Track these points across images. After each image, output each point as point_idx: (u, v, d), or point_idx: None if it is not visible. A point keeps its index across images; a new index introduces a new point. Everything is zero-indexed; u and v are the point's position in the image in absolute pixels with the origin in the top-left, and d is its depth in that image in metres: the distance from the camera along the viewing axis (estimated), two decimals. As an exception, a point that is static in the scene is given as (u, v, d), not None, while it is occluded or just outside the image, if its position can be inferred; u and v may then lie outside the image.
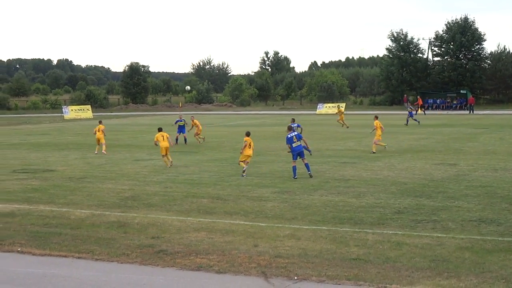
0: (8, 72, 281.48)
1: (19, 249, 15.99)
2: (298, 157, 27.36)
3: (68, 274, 13.90)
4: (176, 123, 46.50)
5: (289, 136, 27.51)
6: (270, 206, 20.99)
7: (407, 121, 62.01)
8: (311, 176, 26.90)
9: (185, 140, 45.31)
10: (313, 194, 22.95)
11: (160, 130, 33.28)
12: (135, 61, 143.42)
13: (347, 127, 59.53)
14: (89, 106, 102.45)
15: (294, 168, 27.16)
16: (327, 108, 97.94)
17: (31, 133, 59.94)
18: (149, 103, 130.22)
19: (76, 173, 30.10)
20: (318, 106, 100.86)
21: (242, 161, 28.51)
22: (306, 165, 27.32)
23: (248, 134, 29.28)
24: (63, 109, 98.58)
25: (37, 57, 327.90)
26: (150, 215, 19.87)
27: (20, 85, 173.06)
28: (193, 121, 46.26)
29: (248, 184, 25.52)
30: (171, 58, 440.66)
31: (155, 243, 16.26)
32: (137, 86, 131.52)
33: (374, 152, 36.19)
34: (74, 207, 21.50)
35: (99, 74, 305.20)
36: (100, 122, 41.41)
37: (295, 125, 34.39)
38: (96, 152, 38.68)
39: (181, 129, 45.88)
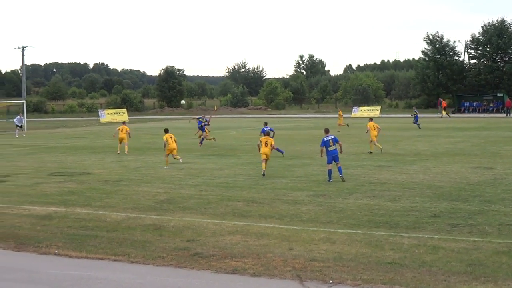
0: (46, 76, 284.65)
1: (56, 252, 16.14)
2: (333, 161, 27.34)
3: (104, 277, 14.00)
4: (200, 124, 48.33)
5: (325, 139, 27.50)
6: (305, 209, 20.96)
7: (418, 125, 62.15)
8: (343, 180, 26.81)
9: (201, 141, 46.58)
10: (348, 198, 22.87)
11: (166, 131, 34.75)
12: (171, 65, 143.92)
13: (347, 125, 61.78)
14: (125, 109, 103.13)
15: (330, 172, 27.15)
16: (362, 112, 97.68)
17: (67, 136, 60.50)
18: (184, 106, 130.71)
19: (112, 176, 30.31)
20: (353, 110, 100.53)
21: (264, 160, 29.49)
22: (339, 169, 27.24)
23: (266, 134, 30.99)
24: (99, 113, 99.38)
25: (73, 61, 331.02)
26: (186, 218, 19.94)
27: (57, 89, 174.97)
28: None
29: (283, 188, 25.51)
30: (206, 62, 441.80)
31: (190, 246, 16.31)
32: (172, 90, 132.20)
33: (371, 152, 37.75)
34: (110, 210, 21.65)
35: (135, 78, 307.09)
36: (123, 123, 42.21)
37: (268, 128, 37.01)
38: (118, 152, 39.38)
39: (203, 129, 47.53)
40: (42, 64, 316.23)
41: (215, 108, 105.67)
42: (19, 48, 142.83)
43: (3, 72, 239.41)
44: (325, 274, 13.54)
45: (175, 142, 34.33)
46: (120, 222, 19.56)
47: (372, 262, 14.39)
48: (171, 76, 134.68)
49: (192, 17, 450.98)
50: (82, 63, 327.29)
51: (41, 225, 19.41)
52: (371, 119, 42.06)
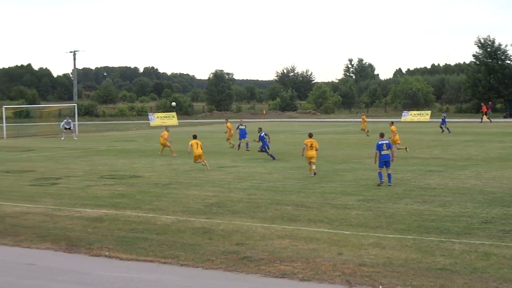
0: (96, 80, 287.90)
1: (106, 254, 16.30)
2: (384, 166, 27.28)
3: (154, 279, 14.10)
4: (237, 128, 48.46)
5: (379, 142, 27.59)
6: (354, 214, 20.87)
7: (447, 129, 62.13)
8: (379, 184, 26.97)
9: (247, 145, 46.70)
10: (398, 203, 22.70)
11: (195, 137, 35.37)
12: (220, 69, 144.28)
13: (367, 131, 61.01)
14: (175, 113, 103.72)
15: (380, 174, 27.27)
16: (412, 116, 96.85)
17: (118, 139, 61.10)
18: (233, 110, 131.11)
19: (162, 179, 30.52)
20: (403, 114, 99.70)
21: (309, 162, 30.71)
22: (389, 175, 27.20)
23: (310, 136, 31.75)
24: (149, 116, 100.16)
25: (124, 65, 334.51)
26: (235, 221, 19.98)
27: (107, 92, 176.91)
28: (227, 125, 50.61)
29: (332, 192, 25.42)
30: (255, 66, 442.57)
31: (239, 249, 16.34)
32: (221, 94, 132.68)
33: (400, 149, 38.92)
34: (160, 212, 21.80)
35: (184, 82, 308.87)
36: (166, 129, 44.26)
37: (263, 134, 39.01)
38: (160, 153, 41.77)
39: (243, 134, 47.35)
40: (93, 68, 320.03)
41: (264, 112, 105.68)
42: (70, 52, 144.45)
43: (55, 76, 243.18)
44: (375, 280, 13.46)
45: (201, 148, 34.75)
46: (169, 225, 19.68)
47: (422, 268, 14.26)
48: (220, 80, 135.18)
49: (242, 21, 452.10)
50: (132, 67, 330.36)
51: (92, 227, 19.63)
52: (392, 122, 44.07)
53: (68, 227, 19.70)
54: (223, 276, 14.23)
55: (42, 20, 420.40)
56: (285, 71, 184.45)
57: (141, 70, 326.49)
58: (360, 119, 67.41)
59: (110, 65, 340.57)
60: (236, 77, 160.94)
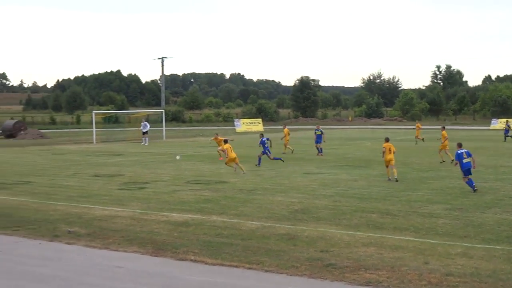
0: (184, 86, 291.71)
1: (192, 258, 16.46)
2: (468, 176, 27.26)
3: (239, 284, 14.17)
4: (315, 133, 49.50)
5: (458, 152, 27.74)
6: (441, 223, 20.53)
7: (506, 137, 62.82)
8: (474, 191, 26.71)
9: (321, 150, 47.89)
10: (487, 212, 22.24)
11: (226, 142, 37.18)
12: (306, 75, 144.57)
13: (423, 139, 60.53)
14: (260, 119, 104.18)
15: (469, 182, 27.26)
16: (501, 124, 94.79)
17: (204, 145, 61.64)
18: (318, 116, 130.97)
19: (247, 185, 30.66)
20: (492, 122, 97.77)
21: (387, 166, 32.01)
22: (471, 182, 27.24)
23: (387, 140, 32.71)
24: (235, 122, 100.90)
25: (210, 71, 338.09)
26: (319, 228, 19.92)
27: (194, 98, 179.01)
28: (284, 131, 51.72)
29: (418, 200, 25.08)
30: (341, 72, 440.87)
31: (324, 256, 16.28)
32: (307, 100, 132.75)
33: (444, 161, 38.99)
34: (245, 218, 21.89)
35: (270, 88, 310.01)
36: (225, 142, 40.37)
37: (265, 139, 41.35)
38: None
39: (319, 139, 48.56)
40: (180, 74, 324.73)
41: (350, 119, 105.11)
42: (158, 58, 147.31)
43: (144, 82, 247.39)
44: (462, 290, 13.22)
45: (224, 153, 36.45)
46: (254, 231, 19.75)
47: (511, 279, 13.94)
48: (306, 87, 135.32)
49: (327, 28, 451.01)
50: (218, 73, 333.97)
51: (178, 232, 19.86)
52: (443, 127, 44.29)
53: (154, 231, 19.98)
54: (307, 283, 14.20)
55: (132, 28, 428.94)
56: (371, 77, 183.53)
57: (228, 76, 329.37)
58: (415, 127, 66.62)
59: (197, 71, 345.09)
60: (322, 83, 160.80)
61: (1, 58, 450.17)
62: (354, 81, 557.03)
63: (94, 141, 68.32)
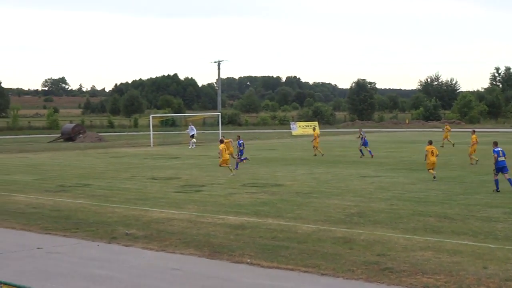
0: (240, 89, 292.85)
1: (248, 261, 16.49)
2: (501, 172, 28.26)
3: (295, 287, 14.15)
4: (359, 136, 50.35)
5: (496, 149, 28.81)
6: (500, 227, 20.22)
7: None
8: (497, 191, 27.64)
9: (367, 152, 48.51)
10: (547, 216, 21.83)
11: (222, 142, 38.70)
12: (362, 78, 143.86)
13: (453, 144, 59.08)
14: (316, 122, 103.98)
15: (496, 182, 28.05)
16: None
17: (260, 148, 61.77)
18: (375, 119, 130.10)
19: (303, 188, 30.61)
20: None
21: (430, 169, 32.84)
22: (509, 180, 28.13)
23: (430, 143, 33.86)
24: (291, 125, 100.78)
25: (266, 75, 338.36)
26: (376, 232, 19.78)
27: (250, 101, 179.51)
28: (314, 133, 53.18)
29: (476, 204, 24.74)
30: (398, 75, 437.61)
31: (380, 260, 16.17)
32: (363, 103, 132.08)
33: (472, 164, 39.35)
34: (301, 221, 21.86)
35: (326, 91, 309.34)
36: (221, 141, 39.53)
37: (241, 141, 42.94)
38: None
39: (365, 142, 49.28)
40: (237, 78, 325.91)
41: (407, 122, 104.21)
42: (215, 62, 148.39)
43: (200, 85, 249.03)
44: (522, 295, 13.00)
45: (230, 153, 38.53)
46: (310, 234, 19.71)
47: None
48: (362, 89, 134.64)
49: (384, 30, 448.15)
50: (275, 76, 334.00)
51: (235, 234, 19.92)
52: (473, 131, 44.68)
53: (211, 234, 20.08)
54: (364, 286, 14.12)
55: (189, 32, 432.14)
56: (429, 80, 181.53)
57: (284, 79, 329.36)
58: (443, 129, 65.73)
59: (253, 75, 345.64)
60: (378, 86, 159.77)
61: (61, 63, 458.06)
62: (411, 83, 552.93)
63: (151, 144, 68.96)
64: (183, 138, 74.67)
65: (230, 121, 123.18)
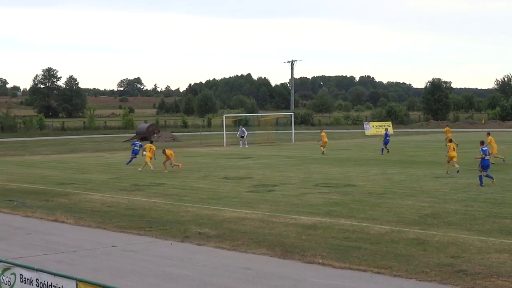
0: (313, 89, 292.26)
1: (320, 261, 16.45)
2: (485, 169, 31.02)
3: (367, 289, 14.06)
4: (386, 138, 53.30)
5: (483, 148, 32.09)
6: None
7: None
8: (481, 186, 30.10)
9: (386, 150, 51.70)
10: None
11: (151, 142, 44.15)
12: (437, 77, 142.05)
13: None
14: (390, 122, 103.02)
15: (480, 178, 30.66)
16: None
17: (332, 148, 61.45)
18: (450, 119, 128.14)
19: (376, 188, 30.37)
20: None
21: (448, 162, 36.25)
22: (488, 175, 30.90)
23: (450, 141, 38.49)
24: (364, 125, 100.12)
25: (340, 74, 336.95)
26: (450, 233, 19.50)
27: (323, 101, 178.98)
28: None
29: (555, 206, 24.16)
30: (474, 74, 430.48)
31: (454, 262, 15.93)
32: (438, 103, 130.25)
33: (492, 163, 37.23)
34: (374, 222, 21.69)
35: (400, 91, 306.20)
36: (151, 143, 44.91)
37: (138, 143, 47.09)
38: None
39: (386, 140, 52.34)
40: (310, 77, 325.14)
41: (483, 122, 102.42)
42: (288, 62, 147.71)
43: (273, 85, 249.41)
44: None
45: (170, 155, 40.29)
46: (383, 235, 19.55)
47: None
48: (437, 89, 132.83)
49: (459, 29, 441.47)
50: (348, 76, 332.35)
51: (307, 235, 19.89)
52: (488, 133, 44.82)
53: (283, 234, 20.09)
54: (437, 289, 13.94)
55: (262, 32, 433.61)
56: (505, 79, 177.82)
57: (357, 79, 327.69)
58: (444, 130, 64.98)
59: (327, 74, 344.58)
60: (454, 85, 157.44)
61: (136, 64, 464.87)
62: (487, 83, 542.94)
63: (225, 144, 69.37)
64: (256, 138, 74.98)
65: (302, 121, 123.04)
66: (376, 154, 51.98)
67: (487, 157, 31.38)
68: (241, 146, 66.07)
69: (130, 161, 45.34)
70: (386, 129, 58.41)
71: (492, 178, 30.81)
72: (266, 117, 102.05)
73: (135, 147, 45.94)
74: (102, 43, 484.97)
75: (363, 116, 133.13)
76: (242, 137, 67.22)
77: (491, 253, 16.82)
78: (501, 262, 15.88)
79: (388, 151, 51.67)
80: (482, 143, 33.08)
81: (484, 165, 31.01)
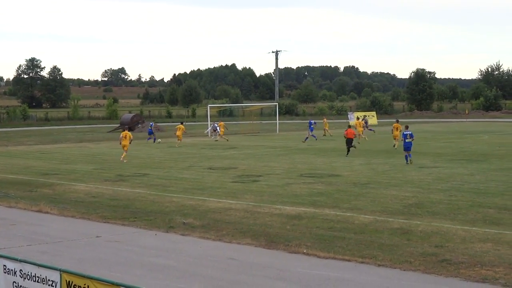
0: (297, 79, 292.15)
1: (305, 251, 16.48)
2: (406, 150, 36.81)
3: (351, 278, 14.10)
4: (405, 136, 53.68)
5: (405, 132, 37.67)
6: (562, 219, 19.82)
7: None
8: (411, 163, 35.95)
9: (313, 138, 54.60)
10: None
11: (129, 130, 47.33)
12: (421, 68, 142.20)
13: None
14: (374, 112, 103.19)
15: (405, 157, 36.67)
16: None
17: (318, 138, 61.54)
18: (434, 110, 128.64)
19: (360, 178, 30.45)
20: None
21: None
22: (408, 155, 36.64)
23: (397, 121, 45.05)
24: (348, 115, 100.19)
25: (324, 64, 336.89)
26: (434, 223, 19.59)
27: (308, 91, 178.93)
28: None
29: (538, 195, 24.30)
30: (458, 64, 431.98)
31: (438, 251, 16.01)
32: (422, 93, 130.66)
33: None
34: (358, 212, 21.75)
35: (384, 81, 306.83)
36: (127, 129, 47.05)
37: (216, 124, 57.37)
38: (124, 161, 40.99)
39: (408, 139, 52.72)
40: (294, 68, 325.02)
41: (467, 112, 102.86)
42: (273, 52, 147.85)
43: (258, 75, 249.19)
44: None
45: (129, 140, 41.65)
46: (367, 225, 19.61)
47: None
48: (421, 79, 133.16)
49: (443, 19, 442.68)
50: (332, 66, 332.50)
51: (291, 225, 19.92)
52: (397, 121, 50.94)
53: (267, 224, 20.11)
54: (421, 278, 14.00)
55: (246, 22, 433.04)
56: (489, 69, 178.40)
57: (342, 69, 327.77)
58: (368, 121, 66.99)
59: (311, 65, 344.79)
60: (438, 75, 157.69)
61: (120, 54, 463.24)
62: (471, 73, 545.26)
63: (209, 134, 69.32)
64: (240, 128, 74.95)
65: (287, 111, 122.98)
66: (361, 144, 52.09)
67: (408, 140, 36.96)
68: (213, 137, 66.26)
69: (154, 140, 58.64)
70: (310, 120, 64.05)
71: (410, 157, 36.69)
72: (251, 107, 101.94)
73: (149, 128, 60.99)
74: (86, 33, 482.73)
75: (347, 106, 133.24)
76: (215, 130, 67.33)
77: (474, 243, 16.91)
78: (484, 251, 15.96)
79: (315, 139, 54.09)
80: (407, 127, 38.79)
81: (405, 147, 37.02)
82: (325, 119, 71.30)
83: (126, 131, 43.14)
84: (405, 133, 37.87)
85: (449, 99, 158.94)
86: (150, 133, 60.66)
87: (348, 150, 42.26)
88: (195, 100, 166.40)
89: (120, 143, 41.88)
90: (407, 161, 36.54)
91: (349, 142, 42.33)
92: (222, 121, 69.75)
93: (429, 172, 32.39)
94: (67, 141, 63.57)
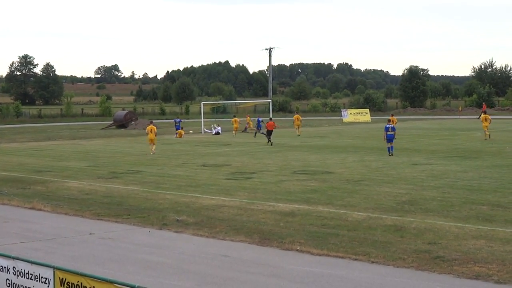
0: (291, 76, 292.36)
1: (298, 248, 16.50)
2: (389, 142, 39.51)
3: (345, 275, 14.11)
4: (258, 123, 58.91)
5: (387, 126, 40.40)
6: (555, 216, 19.87)
7: None
8: (392, 155, 38.71)
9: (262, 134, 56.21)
10: None
11: (151, 122, 46.71)
12: (415, 65, 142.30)
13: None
14: (368, 109, 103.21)
15: (388, 149, 39.49)
16: None
17: (310, 135, 61.63)
18: (427, 107, 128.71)
19: (353, 175, 30.47)
20: None
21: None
22: (391, 147, 39.34)
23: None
24: (342, 112, 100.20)
25: (318, 62, 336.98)
26: (427, 220, 19.61)
27: (301, 88, 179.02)
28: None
29: (531, 192, 24.35)
30: (451, 61, 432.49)
31: (431, 248, 16.04)
32: (415, 90, 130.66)
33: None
34: (352, 209, 21.77)
35: (378, 78, 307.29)
36: (151, 123, 47.30)
37: (178, 120, 61.75)
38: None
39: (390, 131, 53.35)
40: (288, 65, 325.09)
41: (460, 109, 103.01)
42: (266, 49, 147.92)
43: (251, 72, 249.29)
44: None
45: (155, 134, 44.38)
46: (361, 222, 19.63)
47: None
48: (415, 76, 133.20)
49: (436, 16, 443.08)
50: (326, 63, 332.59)
51: (285, 222, 19.93)
52: (392, 115, 52.58)
53: (261, 221, 20.11)
54: (415, 275, 14.02)
55: (240, 19, 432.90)
56: (482, 66, 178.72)
57: (335, 66, 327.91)
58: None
59: (305, 62, 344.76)
60: (431, 73, 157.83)
61: (114, 51, 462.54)
62: (464, 70, 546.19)
63: (203, 132, 69.31)
64: (233, 125, 74.89)
65: (281, 108, 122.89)
66: (354, 141, 52.19)
67: (389, 132, 39.83)
68: (211, 132, 66.83)
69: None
70: (259, 117, 68.32)
71: (391, 151, 39.28)
72: (244, 104, 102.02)
73: (176, 124, 64.34)
74: (79, 30, 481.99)
75: (341, 103, 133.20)
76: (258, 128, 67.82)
77: (467, 240, 16.94)
78: (477, 248, 15.99)
79: (265, 136, 53.29)
80: (389, 121, 42.24)
81: (388, 139, 39.72)
82: (248, 117, 74.31)
83: (151, 125, 45.24)
84: (387, 126, 40.54)
85: (442, 96, 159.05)
86: (178, 129, 63.46)
87: (269, 140, 49.95)
88: (189, 97, 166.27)
89: (149, 137, 44.57)
90: (389, 152, 39.13)
91: (269, 133, 50.47)
92: (216, 118, 69.98)
93: (423, 169, 32.42)
94: (60, 138, 63.48)
